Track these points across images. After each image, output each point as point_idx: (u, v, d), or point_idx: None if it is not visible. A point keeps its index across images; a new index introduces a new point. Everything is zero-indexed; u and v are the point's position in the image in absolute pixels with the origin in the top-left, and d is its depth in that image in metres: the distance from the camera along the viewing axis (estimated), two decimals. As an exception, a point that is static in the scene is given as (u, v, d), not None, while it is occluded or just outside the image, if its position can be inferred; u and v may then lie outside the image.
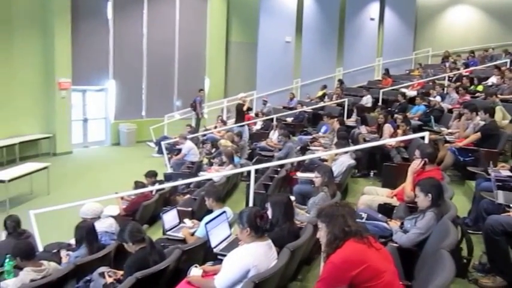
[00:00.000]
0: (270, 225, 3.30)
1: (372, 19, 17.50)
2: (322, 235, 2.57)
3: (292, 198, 4.73)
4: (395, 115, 8.68)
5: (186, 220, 5.22)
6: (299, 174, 6.38)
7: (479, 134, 6.40)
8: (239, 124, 11.69)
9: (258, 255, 2.96)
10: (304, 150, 8.64)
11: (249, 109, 13.13)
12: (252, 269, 2.88)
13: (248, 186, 6.02)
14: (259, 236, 3.07)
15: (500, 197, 3.85)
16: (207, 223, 4.07)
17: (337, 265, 2.38)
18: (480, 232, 3.89)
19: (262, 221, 3.09)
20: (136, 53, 16.25)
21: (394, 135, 7.69)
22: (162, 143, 12.46)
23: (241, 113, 12.10)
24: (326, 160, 6.92)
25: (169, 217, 5.16)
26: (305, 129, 11.80)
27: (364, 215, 3.89)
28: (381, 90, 12.68)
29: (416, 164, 4.53)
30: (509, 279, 3.38)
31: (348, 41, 17.42)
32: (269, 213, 3.72)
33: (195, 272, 3.31)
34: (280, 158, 8.13)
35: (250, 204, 5.75)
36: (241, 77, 17.38)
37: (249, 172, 6.26)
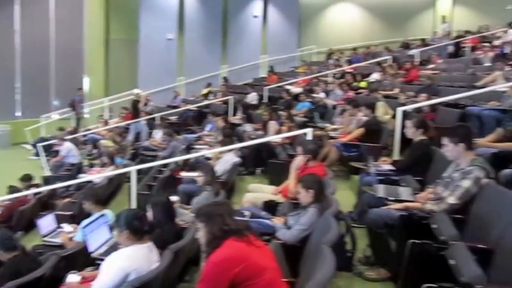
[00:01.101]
0: (151, 227, 3.34)
1: (255, 16, 18.10)
2: (201, 235, 2.62)
3: (177, 198, 4.79)
4: (280, 112, 8.95)
5: (65, 225, 5.18)
6: (183, 174, 6.45)
7: (362, 129, 6.80)
8: (135, 120, 11.81)
9: (137, 258, 2.98)
10: (189, 149, 8.65)
11: (146, 105, 13.27)
12: (131, 272, 2.89)
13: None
14: (139, 238, 3.07)
15: (381, 190, 4.09)
16: (84, 227, 4.12)
17: (217, 264, 2.43)
18: (365, 226, 4.10)
19: (141, 222, 3.10)
20: (7, 50, 15.76)
21: (279, 132, 7.91)
22: (39, 144, 12.25)
23: (137, 110, 12.19)
24: (211, 158, 7.00)
25: (46, 222, 5.20)
26: (190, 127, 11.89)
27: (248, 213, 3.96)
28: (266, 88, 13.10)
29: (299, 161, 4.69)
30: (393, 270, 3.59)
31: (232, 38, 17.87)
32: (149, 214, 3.75)
33: (72, 278, 3.31)
34: (164, 158, 8.04)
35: (134, 205, 5.81)
36: (123, 75, 17.00)
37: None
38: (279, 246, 3.41)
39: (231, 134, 7.78)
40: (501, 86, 6.57)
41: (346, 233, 3.87)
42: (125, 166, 7.75)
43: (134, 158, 9.40)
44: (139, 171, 6.71)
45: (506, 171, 4.03)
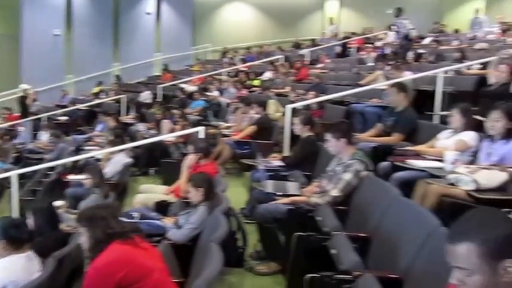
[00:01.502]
0: (31, 235, 3.17)
1: (148, 13, 17.71)
2: (84, 240, 2.53)
3: (63, 202, 4.60)
4: (174, 111, 8.88)
5: None
6: (70, 177, 6.12)
7: (254, 126, 6.96)
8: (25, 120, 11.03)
9: (14, 269, 2.84)
10: (78, 150, 8.25)
11: (35, 100, 12.56)
12: (8, 284, 2.74)
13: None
14: (16, 247, 2.92)
15: (269, 186, 4.22)
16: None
17: (100, 270, 2.36)
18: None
19: (18, 231, 2.95)
20: None
21: (173, 131, 7.84)
22: None
23: (25, 107, 11.51)
24: (101, 160, 6.75)
25: None
26: (80, 128, 11.36)
27: (137, 215, 3.87)
28: (160, 86, 12.89)
29: (190, 160, 4.70)
30: (282, 263, 3.71)
31: (124, 35, 17.36)
32: (30, 221, 3.60)
33: None
34: (51, 160, 7.60)
35: (15, 213, 5.44)
36: (2, 72, 15.74)
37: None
38: (169, 247, 3.37)
39: (121, 133, 7.55)
40: (381, 84, 7.05)
41: (237, 229, 3.95)
42: (7, 171, 7.22)
43: (18, 162, 8.74)
44: (23, 176, 6.31)
45: (384, 163, 4.33)
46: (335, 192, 3.66)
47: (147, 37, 17.65)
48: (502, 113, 3.51)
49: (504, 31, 12.13)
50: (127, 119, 10.39)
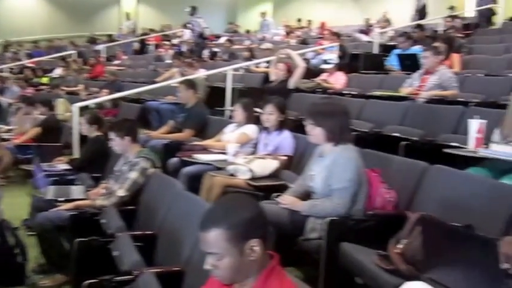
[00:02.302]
0: None
1: None
2: None
3: None
4: None
5: None
6: None
7: (38, 128, 6.45)
8: None
9: None
10: None
11: None
12: None
13: None
14: None
15: (50, 192, 3.96)
16: None
17: None
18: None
19: None
20: None
21: None
22: None
23: None
24: None
25: None
26: None
27: None
28: None
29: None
30: (68, 273, 3.51)
31: None
32: None
33: None
34: None
35: None
36: None
37: None
38: None
39: None
40: (174, 82, 7.18)
41: (15, 244, 3.61)
42: None
43: None
44: None
45: (174, 159, 4.42)
46: (121, 193, 3.59)
47: None
48: (274, 107, 3.87)
49: (288, 33, 13.40)
50: None
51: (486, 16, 10.52)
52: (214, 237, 1.49)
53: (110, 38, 15.97)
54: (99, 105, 7.55)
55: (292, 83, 5.95)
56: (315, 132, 2.98)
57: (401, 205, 3.07)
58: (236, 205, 1.56)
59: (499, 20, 10.86)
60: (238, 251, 1.50)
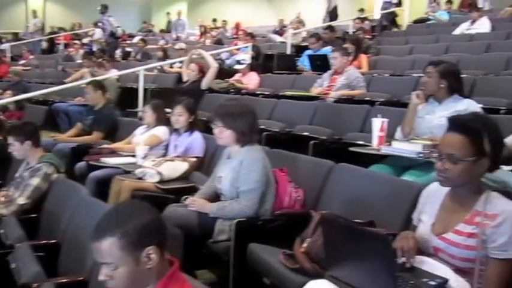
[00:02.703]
0: None
1: None
2: None
3: None
4: None
5: None
6: None
7: None
8: None
9: None
10: None
11: None
12: None
13: None
14: None
15: None
16: None
17: None
18: None
19: None
20: None
21: None
22: None
23: None
24: None
25: None
26: None
27: None
28: None
29: None
30: None
31: None
32: None
33: None
34: None
35: None
36: None
37: None
38: None
39: None
40: (82, 82, 6.87)
41: None
42: None
43: None
44: None
45: (81, 163, 4.23)
46: (21, 200, 3.38)
47: None
48: (183, 108, 3.82)
49: (202, 33, 13.33)
50: None
51: (389, 19, 11.03)
52: (108, 247, 1.43)
53: (16, 37, 15.10)
54: (2, 108, 7.11)
55: (204, 84, 5.92)
56: (224, 135, 2.95)
57: (309, 203, 3.13)
58: (129, 212, 1.51)
59: (404, 22, 11.44)
60: (134, 259, 1.44)
